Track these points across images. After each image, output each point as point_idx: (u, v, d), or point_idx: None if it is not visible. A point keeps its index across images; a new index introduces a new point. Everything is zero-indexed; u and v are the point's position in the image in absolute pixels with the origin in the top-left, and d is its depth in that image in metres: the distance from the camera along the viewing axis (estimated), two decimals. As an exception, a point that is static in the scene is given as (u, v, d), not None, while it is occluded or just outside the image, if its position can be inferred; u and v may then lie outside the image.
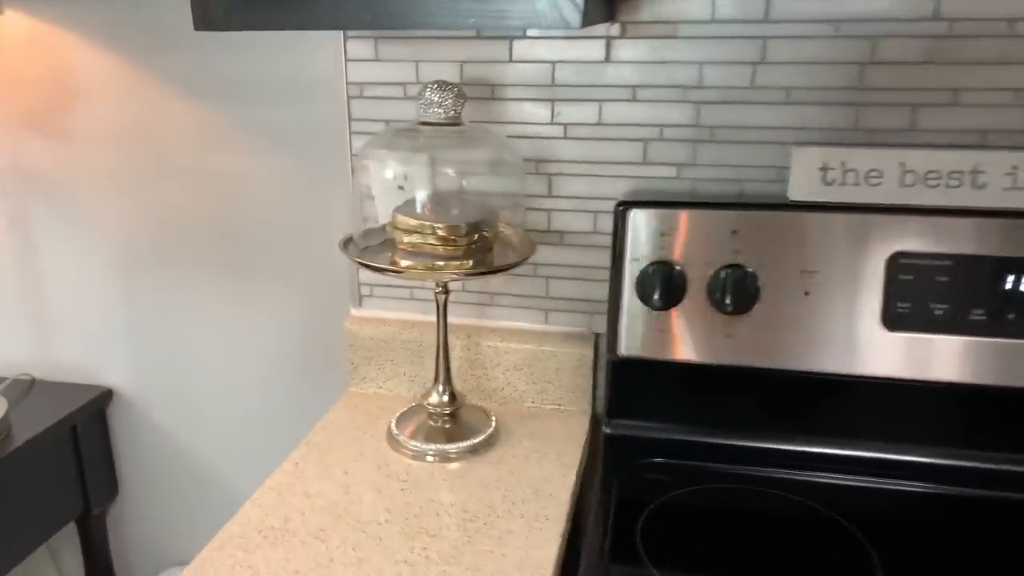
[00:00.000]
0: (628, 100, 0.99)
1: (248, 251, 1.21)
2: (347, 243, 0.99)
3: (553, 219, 1.06)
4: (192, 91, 1.15)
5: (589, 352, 1.08)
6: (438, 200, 0.94)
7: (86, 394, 1.29)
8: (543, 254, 1.07)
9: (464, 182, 0.93)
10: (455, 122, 0.92)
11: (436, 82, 0.91)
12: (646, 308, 0.94)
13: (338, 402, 1.14)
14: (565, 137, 1.02)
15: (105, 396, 1.31)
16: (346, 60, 1.06)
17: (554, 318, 1.11)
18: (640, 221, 0.94)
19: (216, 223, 1.21)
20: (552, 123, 1.02)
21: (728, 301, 0.91)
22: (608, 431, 1.04)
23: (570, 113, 1.01)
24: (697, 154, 0.99)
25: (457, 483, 0.93)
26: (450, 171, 0.93)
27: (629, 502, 0.90)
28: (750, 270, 0.90)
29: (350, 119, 1.08)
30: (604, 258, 1.05)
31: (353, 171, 1.10)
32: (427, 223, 0.91)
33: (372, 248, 0.99)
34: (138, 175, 1.21)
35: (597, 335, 1.09)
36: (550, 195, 1.05)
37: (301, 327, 1.24)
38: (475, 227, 0.92)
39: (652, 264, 0.93)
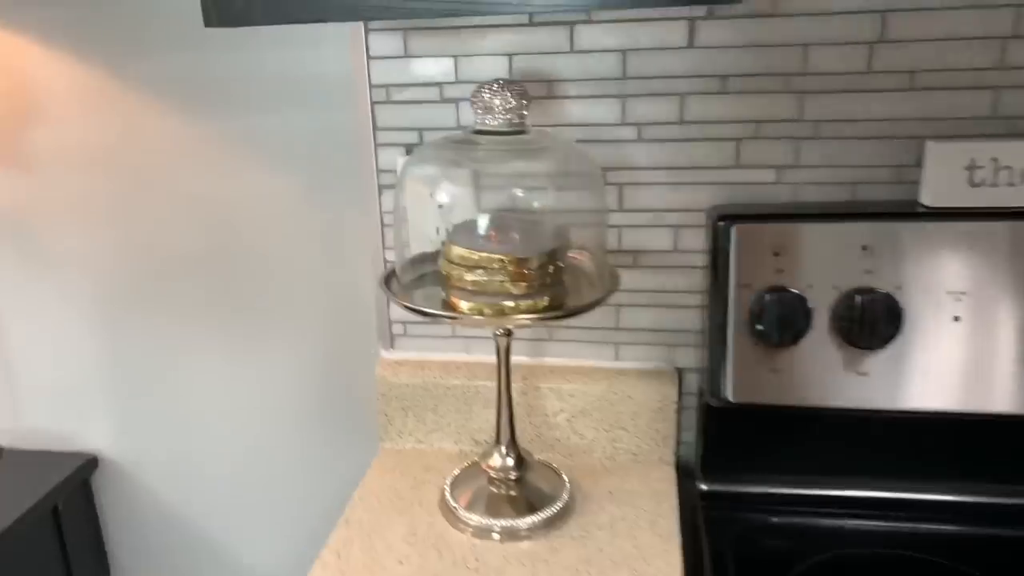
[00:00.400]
0: (717, 92, 0.83)
1: (254, 289, 1.03)
2: (389, 279, 0.81)
3: (624, 236, 0.89)
4: (180, 101, 0.96)
5: (672, 391, 0.91)
6: (500, 225, 0.77)
7: (67, 464, 1.10)
8: (614, 279, 0.90)
9: (535, 203, 0.76)
10: (520, 130, 0.75)
11: (497, 81, 0.74)
12: (760, 344, 0.78)
13: (372, 463, 0.96)
14: (639, 139, 0.86)
15: (89, 464, 1.12)
16: (368, 58, 0.88)
17: (627, 352, 0.94)
18: (748, 238, 0.78)
19: (214, 257, 1.02)
20: (623, 123, 0.85)
21: (862, 332, 0.75)
22: (705, 487, 0.88)
23: (645, 111, 0.84)
24: (800, 154, 0.83)
25: (540, 569, 0.76)
26: (518, 191, 0.75)
27: (753, 577, 0.74)
28: (888, 294, 0.74)
29: (375, 128, 0.90)
30: (686, 281, 0.89)
31: (381, 191, 0.92)
32: (493, 255, 0.73)
33: (413, 284, 0.82)
34: (118, 204, 1.02)
35: (680, 371, 0.93)
36: (621, 209, 0.88)
37: (320, 376, 1.06)
38: (551, 257, 0.75)
39: (767, 291, 0.76)
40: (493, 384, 0.94)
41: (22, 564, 1.03)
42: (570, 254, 0.80)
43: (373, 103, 0.89)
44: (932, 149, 0.76)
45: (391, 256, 0.95)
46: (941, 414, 0.77)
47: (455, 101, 0.88)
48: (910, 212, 0.77)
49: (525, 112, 0.75)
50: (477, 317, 0.74)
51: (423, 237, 0.84)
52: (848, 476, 0.83)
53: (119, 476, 1.14)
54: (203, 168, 0.98)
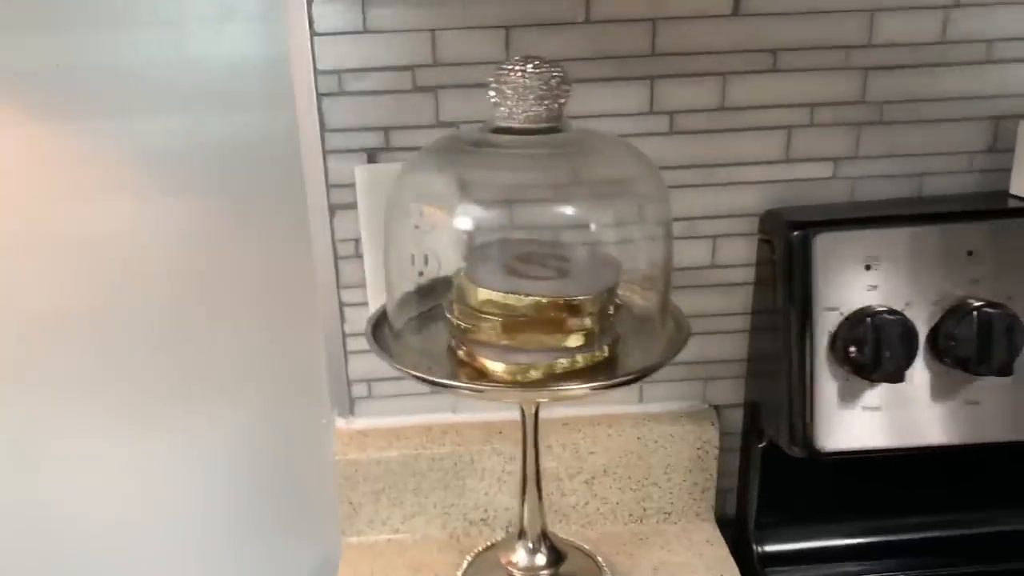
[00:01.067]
0: (766, 71, 0.67)
1: (155, 349, 0.76)
2: (376, 327, 0.60)
3: (651, 254, 0.72)
4: (44, 102, 0.68)
5: (712, 435, 0.76)
6: (537, 256, 0.57)
7: None
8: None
9: (592, 224, 0.56)
10: (555, 126, 0.55)
11: (527, 60, 0.54)
12: (852, 379, 0.63)
13: (340, 567, 0.73)
14: (670, 132, 0.69)
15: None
16: (313, 34, 0.65)
17: (653, 392, 0.77)
18: (834, 251, 0.63)
19: (100, 311, 0.74)
20: (651, 112, 0.68)
21: (979, 354, 0.62)
22: (764, 549, 0.73)
23: (679, 95, 0.67)
24: (861, 142, 0.70)
25: None
26: (565, 208, 0.56)
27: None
28: (1006, 307, 0.62)
29: (323, 129, 0.67)
30: (725, 302, 0.74)
31: (334, 213, 0.69)
32: (541, 298, 0.53)
33: (404, 332, 0.61)
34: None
35: (716, 408, 0.77)
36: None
37: (250, 459, 0.80)
38: (610, 296, 0.56)
39: (862, 315, 0.62)
40: (489, 448, 0.75)
41: None
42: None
43: (320, 95, 0.66)
44: (1028, 131, 0.65)
45: (347, 297, 0.73)
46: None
47: (433, 90, 0.66)
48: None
49: (564, 102, 0.55)
50: (524, 391, 0.54)
51: (406, 272, 0.63)
52: (942, 514, 0.72)
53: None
54: (81, 193, 0.70)
